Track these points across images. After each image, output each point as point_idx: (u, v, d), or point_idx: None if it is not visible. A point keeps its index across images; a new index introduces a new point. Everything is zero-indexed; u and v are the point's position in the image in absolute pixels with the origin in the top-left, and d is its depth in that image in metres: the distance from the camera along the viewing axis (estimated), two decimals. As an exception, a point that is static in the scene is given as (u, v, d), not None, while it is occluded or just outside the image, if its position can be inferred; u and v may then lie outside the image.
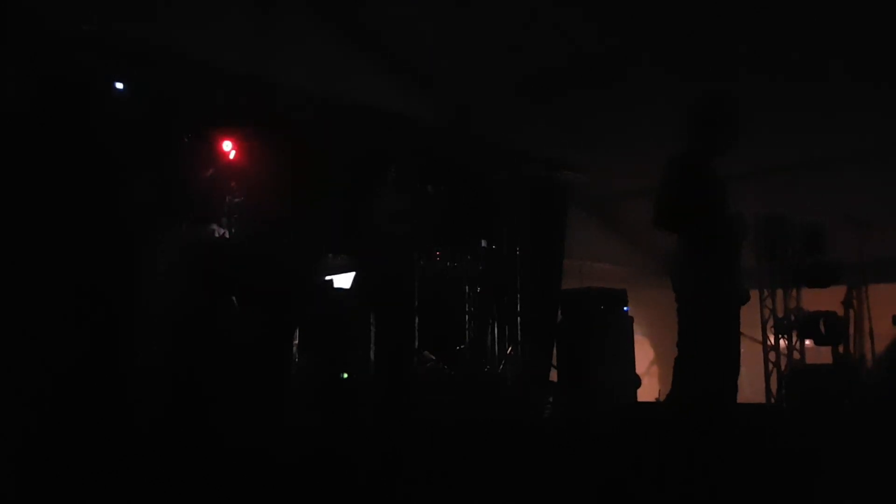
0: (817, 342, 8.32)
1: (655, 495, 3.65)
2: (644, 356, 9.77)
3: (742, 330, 4.22)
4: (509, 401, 6.98)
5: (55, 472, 3.64)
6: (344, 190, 7.01)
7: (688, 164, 4.17)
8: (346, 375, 6.26)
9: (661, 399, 8.28)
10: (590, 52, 6.86)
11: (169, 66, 6.08)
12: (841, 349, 8.01)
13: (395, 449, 4.67)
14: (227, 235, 6.30)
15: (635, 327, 8.24)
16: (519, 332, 8.16)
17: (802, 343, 8.50)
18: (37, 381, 4.84)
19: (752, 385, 7.89)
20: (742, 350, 4.26)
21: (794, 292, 8.59)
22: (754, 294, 7.93)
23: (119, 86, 5.74)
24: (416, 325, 6.93)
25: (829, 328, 8.05)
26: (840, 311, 8.05)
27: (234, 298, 5.73)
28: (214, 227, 6.30)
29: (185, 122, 6.22)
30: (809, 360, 8.47)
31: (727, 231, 4.18)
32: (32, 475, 3.53)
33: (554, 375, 8.31)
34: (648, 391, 8.87)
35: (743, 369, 4.17)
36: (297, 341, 6.19)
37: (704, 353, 4.05)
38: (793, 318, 8.47)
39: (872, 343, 7.75)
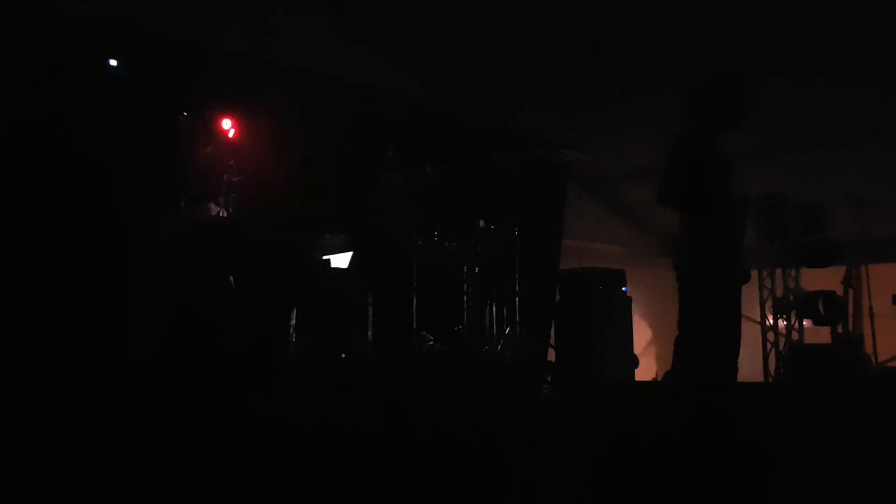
0: (816, 322, 8.31)
1: (654, 474, 3.64)
2: (642, 336, 9.77)
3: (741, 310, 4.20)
4: (507, 381, 6.98)
5: (52, 462, 3.62)
6: (342, 169, 6.98)
7: (693, 142, 4.14)
8: (343, 356, 6.26)
9: (660, 379, 8.31)
10: (589, 36, 6.81)
11: (164, 44, 6.03)
12: (840, 329, 8.00)
13: (392, 428, 4.67)
14: (224, 214, 6.27)
15: (633, 307, 8.23)
16: (517, 312, 8.15)
17: (801, 323, 8.50)
18: (34, 367, 4.84)
19: (750, 365, 7.88)
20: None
21: (793, 272, 8.58)
22: (753, 274, 7.91)
23: (113, 63, 5.69)
24: (415, 305, 6.92)
25: (828, 308, 8.04)
26: (839, 291, 8.03)
27: (231, 278, 5.72)
28: (212, 205, 6.27)
29: (182, 99, 6.18)
30: (808, 340, 8.46)
31: (730, 210, 4.15)
32: (29, 467, 3.52)
33: (552, 355, 8.31)
34: (646, 371, 8.88)
35: (741, 350, 4.15)
36: (294, 321, 6.19)
37: (705, 333, 4.04)
38: (792, 297, 8.46)
39: (872, 323, 7.74)
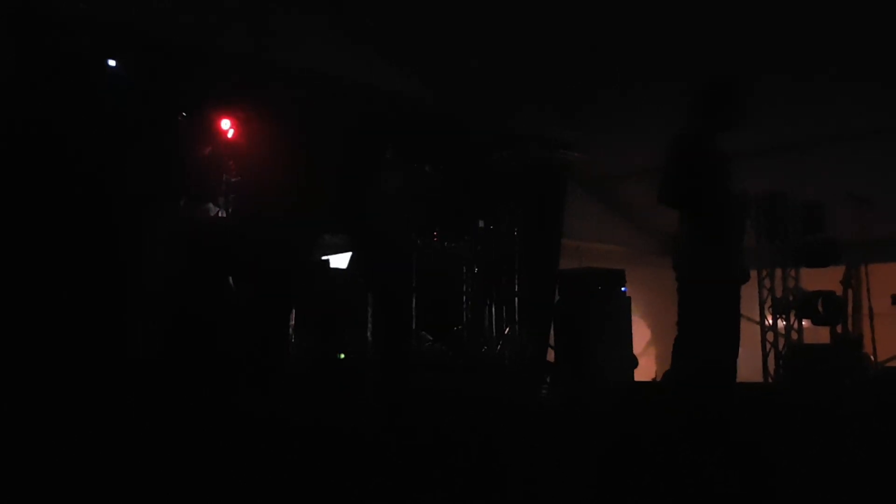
0: (815, 322, 8.31)
1: (653, 475, 3.64)
2: (641, 337, 9.76)
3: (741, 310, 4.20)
4: (506, 381, 6.98)
5: (52, 462, 3.62)
6: (342, 170, 6.97)
7: (693, 142, 4.13)
8: (342, 356, 6.26)
9: (659, 379, 8.30)
10: (589, 36, 6.81)
11: (164, 44, 6.03)
12: (839, 329, 7.99)
13: (392, 428, 4.66)
14: (223, 215, 6.27)
15: (633, 308, 8.22)
16: (516, 312, 8.15)
17: (801, 323, 8.50)
18: (35, 367, 4.84)
19: (749, 365, 7.88)
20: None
21: (792, 272, 8.57)
22: (752, 274, 7.90)
23: (112, 63, 5.70)
24: (414, 305, 6.91)
25: (827, 308, 8.03)
26: (839, 291, 8.02)
27: (230, 279, 5.72)
28: (211, 206, 6.28)
29: (182, 99, 6.18)
30: (808, 340, 8.46)
31: (730, 210, 4.15)
32: (29, 467, 3.52)
33: (551, 356, 8.30)
34: (645, 371, 8.87)
35: (741, 350, 4.15)
36: (293, 322, 6.18)
37: (704, 332, 4.04)
38: (791, 297, 8.45)
39: (871, 323, 7.74)
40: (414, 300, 6.99)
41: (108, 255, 5.46)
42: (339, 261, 7.00)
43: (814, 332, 8.57)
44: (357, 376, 6.06)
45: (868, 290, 7.89)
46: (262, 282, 5.95)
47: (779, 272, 8.57)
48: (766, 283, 8.64)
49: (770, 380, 8.31)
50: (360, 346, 6.30)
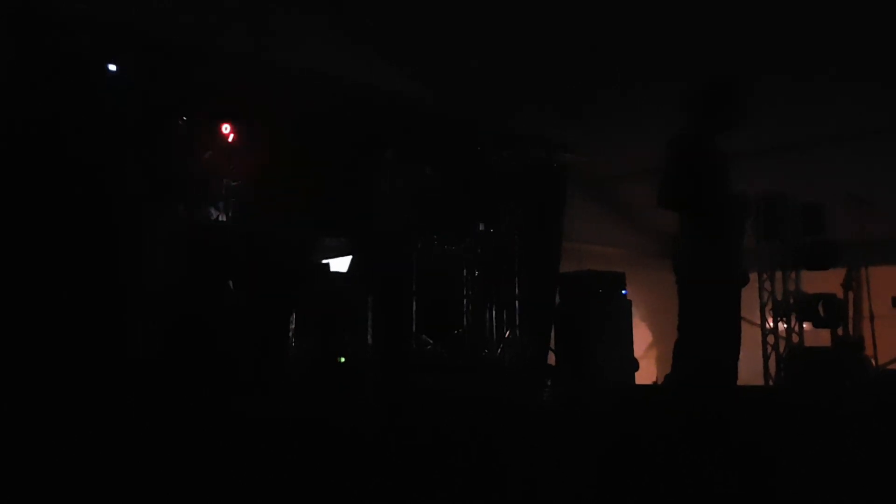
0: (816, 325, 8.30)
1: (653, 475, 3.63)
2: (642, 339, 9.74)
3: (741, 313, 4.19)
4: (506, 382, 6.96)
5: (52, 462, 3.61)
6: (342, 171, 6.97)
7: (692, 143, 4.13)
8: (343, 360, 6.25)
9: (660, 382, 8.29)
10: (589, 36, 6.81)
11: (164, 44, 6.03)
12: (840, 332, 7.98)
13: (392, 428, 4.66)
14: (223, 218, 6.27)
15: (633, 310, 8.21)
16: (517, 315, 8.13)
17: (801, 326, 8.49)
18: (35, 367, 4.83)
19: (750, 368, 7.87)
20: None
21: (793, 275, 8.57)
22: (753, 276, 7.90)
23: (112, 67, 5.70)
24: (414, 308, 6.90)
25: (828, 310, 8.02)
26: (839, 293, 8.01)
27: (230, 282, 5.72)
28: (212, 209, 6.28)
29: (182, 101, 6.18)
30: (808, 343, 8.45)
31: (730, 210, 4.14)
32: (29, 467, 3.51)
33: (552, 359, 8.28)
34: (646, 375, 8.86)
35: (741, 352, 4.14)
36: (293, 326, 6.17)
37: (704, 334, 4.03)
38: (792, 300, 8.45)
39: (872, 325, 7.73)
40: (414, 303, 6.98)
41: (108, 256, 5.46)
42: (340, 265, 6.99)
43: (814, 335, 8.55)
44: (357, 377, 6.05)
45: (869, 292, 7.89)
46: (262, 283, 5.94)
47: (779, 275, 8.56)
48: (767, 285, 8.64)
49: (771, 383, 8.30)
50: (360, 347, 6.29)
